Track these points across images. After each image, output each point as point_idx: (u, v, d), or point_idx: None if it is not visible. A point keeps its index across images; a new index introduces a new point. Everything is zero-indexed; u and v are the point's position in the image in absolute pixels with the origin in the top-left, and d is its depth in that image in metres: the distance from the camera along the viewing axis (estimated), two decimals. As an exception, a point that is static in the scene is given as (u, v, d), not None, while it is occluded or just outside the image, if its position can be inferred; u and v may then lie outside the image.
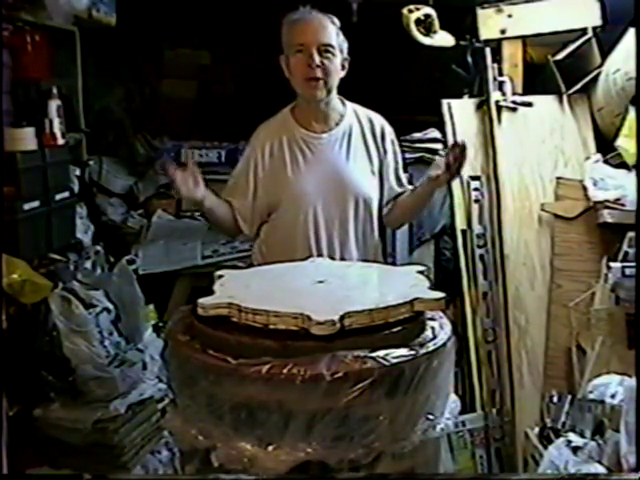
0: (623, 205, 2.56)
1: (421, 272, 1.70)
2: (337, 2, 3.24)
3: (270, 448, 1.32)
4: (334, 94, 2.14)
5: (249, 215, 2.16)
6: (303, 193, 2.10)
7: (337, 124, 2.15)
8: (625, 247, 2.53)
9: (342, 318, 1.34)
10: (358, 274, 1.71)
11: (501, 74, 2.92)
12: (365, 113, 2.21)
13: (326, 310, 1.36)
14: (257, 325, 1.37)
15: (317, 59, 2.02)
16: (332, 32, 2.07)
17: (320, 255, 2.04)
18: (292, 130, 2.14)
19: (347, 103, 2.20)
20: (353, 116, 2.18)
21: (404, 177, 2.29)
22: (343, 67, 2.11)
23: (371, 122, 2.20)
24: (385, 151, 2.20)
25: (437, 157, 2.21)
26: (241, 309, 1.39)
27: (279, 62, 2.12)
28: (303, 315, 1.34)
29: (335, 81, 2.09)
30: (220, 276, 1.66)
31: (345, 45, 2.12)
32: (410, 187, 2.27)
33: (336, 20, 2.11)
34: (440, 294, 1.50)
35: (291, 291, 1.56)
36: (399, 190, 2.24)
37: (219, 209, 2.14)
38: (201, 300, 1.44)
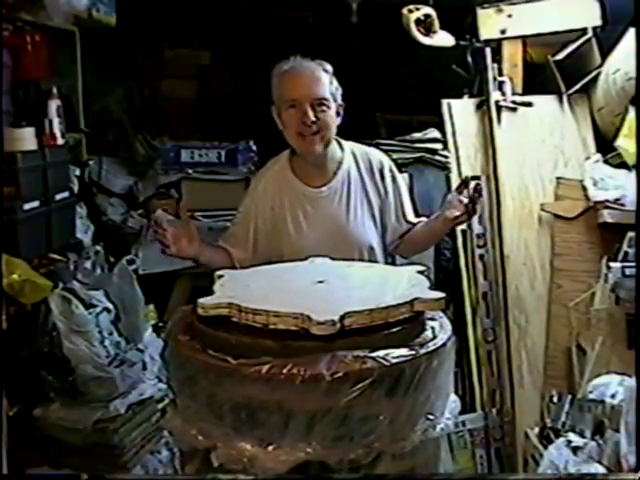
0: (623, 205, 2.57)
1: (421, 272, 1.70)
2: (337, 2, 3.25)
3: (270, 448, 1.32)
4: (331, 144, 2.07)
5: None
6: (304, 249, 2.01)
7: (335, 173, 2.09)
8: (625, 247, 2.53)
9: (342, 318, 1.34)
10: (358, 274, 1.71)
11: (501, 74, 2.92)
12: (362, 152, 2.15)
13: (326, 310, 1.36)
14: (257, 325, 1.37)
15: (311, 115, 1.96)
16: (325, 83, 1.99)
17: None
18: (291, 184, 2.09)
19: (344, 144, 2.13)
20: (351, 159, 2.12)
21: (410, 212, 2.20)
22: (338, 114, 2.04)
23: (370, 162, 2.13)
24: (386, 191, 2.13)
25: (451, 194, 2.08)
26: (241, 309, 1.39)
27: (271, 113, 2.07)
28: (303, 315, 1.34)
29: (332, 132, 2.04)
30: (220, 276, 1.66)
31: (339, 92, 2.04)
32: (420, 220, 2.19)
33: (328, 67, 2.03)
34: (440, 294, 1.50)
35: (291, 291, 1.56)
36: (405, 228, 2.17)
37: (214, 260, 2.07)
38: (201, 300, 1.44)
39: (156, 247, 3.24)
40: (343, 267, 1.80)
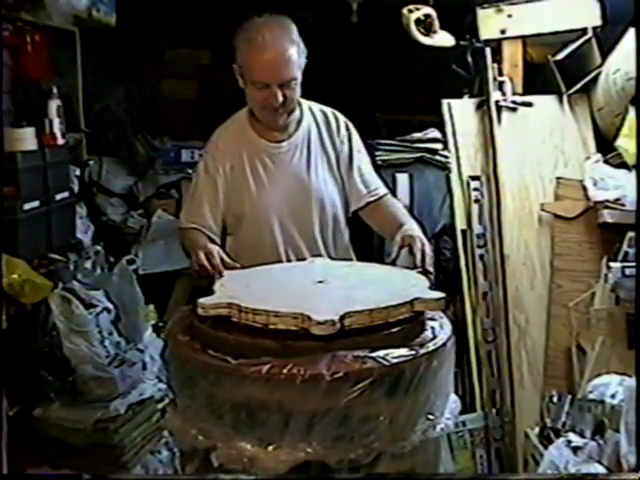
0: (623, 205, 2.56)
1: (420, 272, 1.70)
2: (337, 2, 3.25)
3: (270, 448, 1.32)
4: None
5: (219, 228, 2.07)
6: (266, 204, 2.03)
7: (296, 129, 2.08)
8: (625, 247, 2.53)
9: (342, 318, 1.34)
10: (358, 274, 1.71)
11: (501, 74, 2.92)
12: (320, 110, 2.14)
13: (326, 310, 1.36)
14: (257, 325, 1.37)
15: (280, 95, 1.92)
16: (294, 61, 1.92)
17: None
18: (252, 140, 2.07)
19: (303, 103, 2.12)
20: (310, 117, 2.12)
21: (372, 174, 2.15)
22: (300, 70, 1.98)
23: (327, 118, 2.13)
24: (342, 147, 2.12)
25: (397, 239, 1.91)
26: (241, 309, 1.39)
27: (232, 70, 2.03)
28: (303, 315, 1.34)
29: (295, 102, 2.01)
30: (221, 275, 1.66)
31: (304, 55, 1.97)
32: (384, 192, 2.14)
33: (294, 32, 1.95)
34: (440, 294, 1.50)
35: (291, 291, 1.56)
36: (366, 191, 2.10)
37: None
38: (201, 300, 1.44)
39: (156, 247, 3.27)
40: (343, 267, 1.81)
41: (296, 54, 1.94)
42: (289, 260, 2.03)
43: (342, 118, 2.16)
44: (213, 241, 2.01)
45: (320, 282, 1.59)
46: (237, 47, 2.00)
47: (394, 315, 1.41)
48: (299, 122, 2.10)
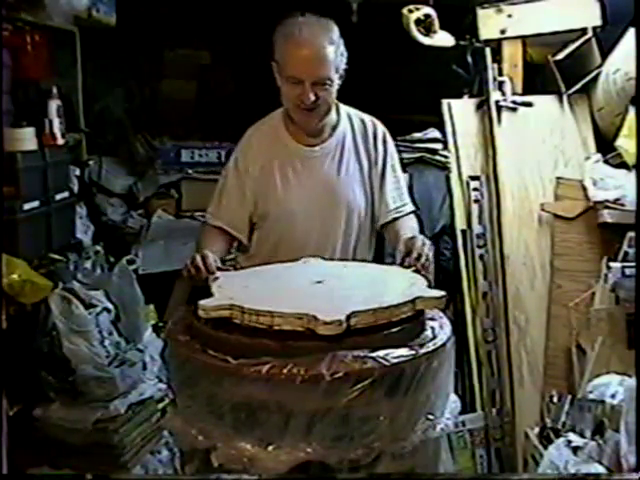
0: (623, 205, 2.56)
1: (417, 271, 1.70)
2: (337, 2, 3.25)
3: (270, 448, 1.32)
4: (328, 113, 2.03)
5: (247, 227, 2.07)
6: (291, 207, 2.02)
7: (331, 135, 2.07)
8: (625, 247, 2.53)
9: (348, 318, 1.34)
10: (355, 274, 1.71)
11: (501, 74, 2.92)
12: (358, 117, 2.12)
13: (331, 310, 1.36)
14: (261, 326, 1.36)
15: (312, 96, 1.89)
16: (331, 60, 1.89)
17: None
18: (285, 142, 2.06)
19: (341, 107, 2.10)
20: (347, 123, 2.10)
21: (402, 190, 2.15)
22: (341, 77, 1.97)
23: (364, 126, 2.11)
24: (376, 156, 2.10)
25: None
26: (244, 310, 1.38)
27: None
28: (308, 315, 1.34)
29: (331, 106, 2.00)
30: (215, 278, 1.65)
31: (344, 58, 1.96)
32: (410, 210, 2.14)
33: (335, 34, 1.93)
34: (440, 292, 1.51)
35: (291, 292, 1.56)
36: (394, 206, 2.10)
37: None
38: (202, 302, 1.43)
39: (156, 247, 3.27)
40: (339, 267, 1.80)
41: (333, 54, 1.90)
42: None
43: (380, 128, 2.13)
44: (233, 238, 2.03)
45: (318, 282, 1.59)
46: (275, 42, 1.97)
47: (396, 314, 1.41)
48: (334, 127, 2.08)
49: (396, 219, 2.10)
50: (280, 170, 2.04)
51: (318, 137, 2.06)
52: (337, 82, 1.96)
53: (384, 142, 2.13)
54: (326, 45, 1.89)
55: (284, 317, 1.35)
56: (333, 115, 2.07)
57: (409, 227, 2.08)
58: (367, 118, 2.14)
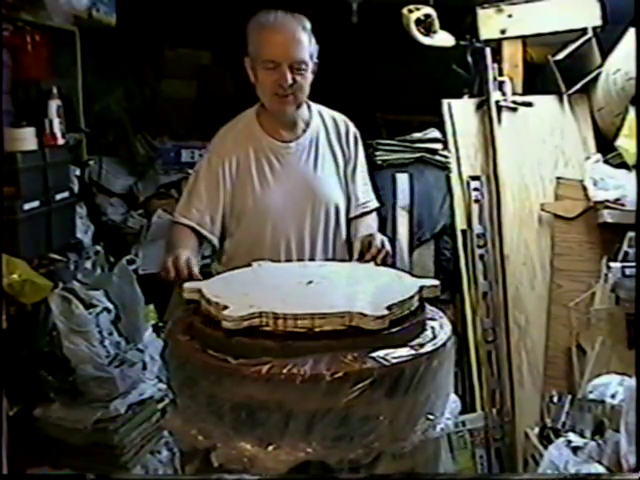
0: (623, 205, 2.56)
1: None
2: (337, 2, 3.25)
3: (270, 448, 1.32)
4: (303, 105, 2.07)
5: (218, 227, 2.05)
6: (269, 203, 2.02)
7: (304, 131, 2.08)
8: (625, 247, 2.53)
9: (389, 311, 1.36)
10: (335, 272, 1.71)
11: (501, 74, 2.92)
12: (329, 115, 2.15)
13: (369, 305, 1.37)
14: (300, 330, 1.35)
15: (289, 77, 1.92)
16: (305, 45, 1.95)
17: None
18: (259, 138, 2.06)
19: (312, 106, 2.13)
20: (319, 120, 2.12)
21: (368, 187, 2.20)
22: (313, 72, 2.01)
23: (336, 124, 2.14)
24: (349, 154, 2.14)
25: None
26: (277, 316, 1.36)
27: (243, 63, 2.03)
28: (352, 313, 1.34)
29: (305, 94, 2.02)
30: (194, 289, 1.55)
31: (316, 50, 2.01)
32: (375, 206, 2.20)
33: (307, 23, 1.98)
34: (435, 281, 1.57)
35: (294, 292, 1.54)
36: (363, 200, 2.16)
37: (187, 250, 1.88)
38: (226, 312, 1.37)
39: (156, 247, 3.27)
40: (317, 267, 1.78)
41: (307, 41, 1.96)
42: (288, 260, 2.02)
43: (352, 127, 2.18)
44: (203, 237, 2.01)
45: (310, 282, 1.58)
46: (249, 34, 2.01)
47: (409, 306, 1.45)
48: (307, 124, 2.10)
49: (363, 214, 2.16)
50: (256, 167, 2.04)
51: (292, 133, 2.08)
52: (311, 70, 1.99)
53: (355, 139, 2.17)
54: (300, 31, 1.95)
55: (326, 318, 1.35)
56: (305, 111, 2.10)
57: (369, 225, 2.14)
58: (338, 116, 2.17)
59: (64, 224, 2.73)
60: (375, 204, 2.22)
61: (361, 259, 1.87)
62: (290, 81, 1.93)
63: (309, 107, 2.12)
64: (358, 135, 2.19)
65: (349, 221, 2.15)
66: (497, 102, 2.87)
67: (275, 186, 2.04)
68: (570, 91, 2.89)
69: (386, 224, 2.74)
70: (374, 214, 2.22)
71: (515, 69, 2.95)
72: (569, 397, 2.40)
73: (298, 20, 1.98)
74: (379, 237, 1.92)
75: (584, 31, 2.85)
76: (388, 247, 1.90)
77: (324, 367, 1.29)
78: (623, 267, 2.45)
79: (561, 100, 2.92)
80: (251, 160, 2.04)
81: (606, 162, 2.74)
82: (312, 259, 2.04)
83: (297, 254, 2.05)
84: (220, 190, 2.03)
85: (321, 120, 2.13)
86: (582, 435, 2.12)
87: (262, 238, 2.04)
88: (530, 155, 2.87)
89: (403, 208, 2.88)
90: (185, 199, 2.08)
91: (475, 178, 2.87)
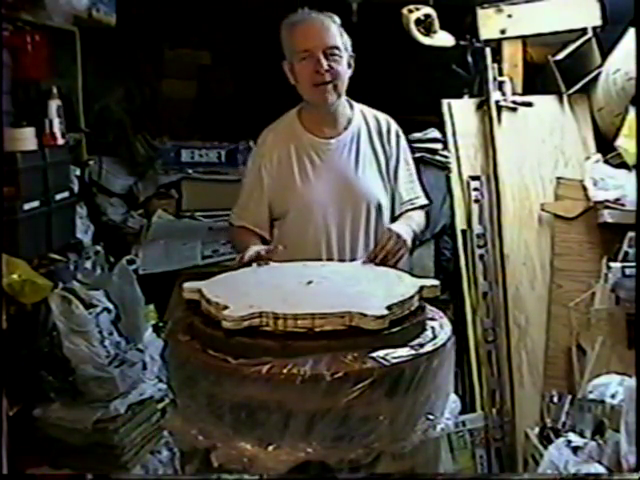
0: (623, 205, 2.56)
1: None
2: (337, 2, 3.25)
3: (270, 448, 1.32)
4: (343, 96, 2.09)
5: (266, 222, 2.11)
6: (312, 201, 2.05)
7: (345, 128, 2.11)
8: (625, 247, 2.53)
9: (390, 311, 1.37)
10: (334, 272, 1.71)
11: (501, 74, 2.92)
12: (372, 113, 2.17)
13: (369, 305, 1.38)
14: (300, 330, 1.35)
15: (325, 63, 1.97)
16: (336, 32, 2.02)
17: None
18: (300, 136, 2.09)
19: (354, 104, 2.16)
20: (361, 118, 2.14)
21: (414, 184, 2.20)
22: (349, 65, 2.07)
23: (378, 122, 2.16)
24: (391, 152, 2.15)
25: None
26: (278, 316, 1.36)
27: (282, 68, 2.07)
28: (352, 313, 1.34)
29: (344, 82, 2.05)
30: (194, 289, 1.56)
31: (349, 43, 2.07)
32: (422, 203, 2.20)
33: (337, 18, 2.05)
34: (435, 281, 1.57)
35: (294, 293, 1.54)
36: (407, 198, 2.16)
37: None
38: (226, 312, 1.37)
39: (156, 247, 3.27)
40: (314, 268, 1.78)
41: (337, 31, 2.02)
42: (330, 257, 2.03)
43: (394, 125, 2.19)
44: (260, 236, 2.07)
45: (310, 282, 1.58)
46: (282, 37, 2.06)
47: (409, 306, 1.45)
48: (349, 122, 2.12)
49: (407, 212, 2.14)
50: (298, 163, 2.07)
51: (333, 129, 2.10)
52: (346, 61, 2.04)
53: (397, 137, 2.18)
54: (330, 22, 2.03)
55: (326, 318, 1.35)
56: (347, 109, 2.13)
57: (407, 222, 2.10)
58: (381, 116, 2.19)
59: (64, 224, 2.73)
60: (422, 201, 2.20)
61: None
62: (325, 66, 1.97)
63: (351, 106, 2.15)
64: (400, 133, 2.20)
65: (395, 219, 2.14)
66: (497, 102, 2.87)
67: (316, 182, 2.06)
68: (570, 91, 2.89)
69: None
70: (420, 212, 2.19)
71: (515, 69, 2.95)
72: (569, 397, 2.40)
73: (327, 15, 2.05)
74: (385, 236, 1.87)
75: (584, 31, 2.85)
76: (392, 246, 1.84)
77: (324, 367, 1.29)
78: (623, 267, 2.45)
79: (561, 100, 2.92)
80: (292, 157, 2.08)
81: (606, 162, 2.74)
82: (353, 258, 2.03)
83: (338, 252, 2.05)
84: (265, 189, 2.09)
85: (363, 118, 2.14)
86: (582, 435, 2.12)
87: (304, 235, 2.06)
88: (530, 155, 2.87)
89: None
90: (239, 201, 2.16)
91: (475, 178, 2.87)
